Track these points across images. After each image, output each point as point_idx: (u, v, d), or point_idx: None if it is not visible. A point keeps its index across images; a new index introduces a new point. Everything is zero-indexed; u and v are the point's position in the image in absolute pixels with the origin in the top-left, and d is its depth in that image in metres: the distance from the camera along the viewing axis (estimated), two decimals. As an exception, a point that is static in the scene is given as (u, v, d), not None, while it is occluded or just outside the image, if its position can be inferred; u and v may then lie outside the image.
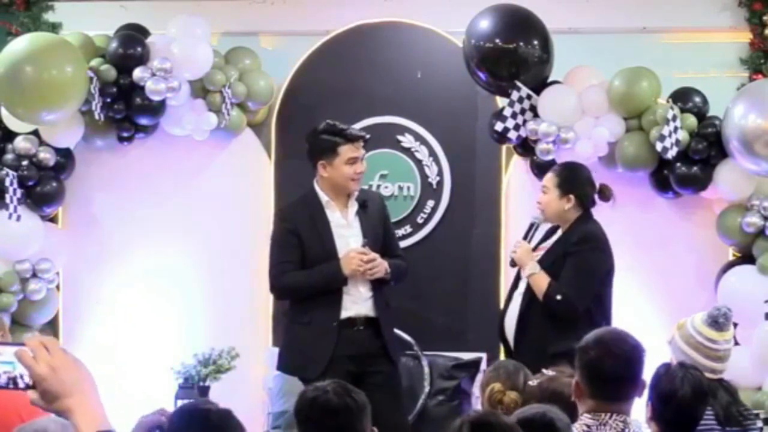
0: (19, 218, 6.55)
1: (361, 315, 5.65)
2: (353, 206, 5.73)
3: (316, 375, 5.38)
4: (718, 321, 4.41)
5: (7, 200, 6.52)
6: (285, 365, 5.85)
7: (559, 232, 5.75)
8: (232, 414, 3.11)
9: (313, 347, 5.61)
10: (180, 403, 6.51)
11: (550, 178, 5.72)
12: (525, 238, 5.75)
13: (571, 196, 5.62)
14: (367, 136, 5.82)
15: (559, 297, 5.47)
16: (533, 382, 3.97)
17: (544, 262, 5.59)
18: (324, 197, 5.70)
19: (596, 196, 5.74)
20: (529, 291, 5.59)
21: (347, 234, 5.69)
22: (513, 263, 5.71)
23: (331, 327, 5.59)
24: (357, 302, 5.65)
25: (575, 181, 5.69)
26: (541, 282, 5.52)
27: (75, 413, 2.03)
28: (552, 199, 5.65)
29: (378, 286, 5.69)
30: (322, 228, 5.67)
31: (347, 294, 5.64)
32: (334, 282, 5.60)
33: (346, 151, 5.63)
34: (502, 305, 5.95)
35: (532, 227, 5.76)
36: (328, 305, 5.61)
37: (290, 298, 5.84)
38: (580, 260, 5.54)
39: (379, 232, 5.78)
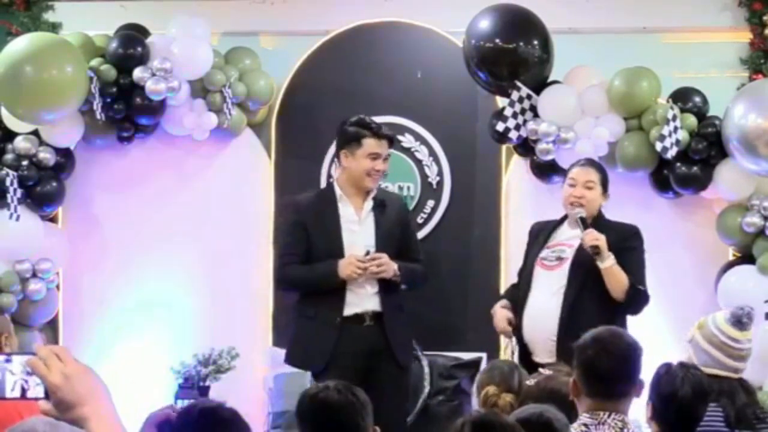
0: (18, 218, 6.55)
1: (368, 311, 5.70)
2: (369, 204, 5.77)
3: (320, 369, 5.58)
4: (741, 320, 4.40)
5: (8, 200, 6.52)
6: (290, 358, 5.91)
7: (567, 228, 5.72)
8: (239, 414, 3.10)
9: (316, 341, 5.68)
10: (180, 403, 6.51)
11: (593, 173, 5.71)
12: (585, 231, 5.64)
13: (607, 194, 5.73)
14: (393, 136, 5.90)
15: (642, 287, 5.54)
16: (531, 382, 3.96)
17: (584, 257, 5.56)
18: (338, 192, 5.77)
19: None
20: (575, 288, 5.53)
21: (357, 230, 5.74)
22: (596, 251, 5.50)
23: (335, 322, 5.65)
24: (362, 298, 5.70)
25: (608, 181, 5.77)
26: (621, 274, 5.50)
27: (90, 422, 2.00)
28: (598, 196, 5.68)
29: (388, 285, 5.72)
30: (331, 222, 5.73)
31: (350, 291, 5.69)
32: (330, 282, 5.65)
33: (370, 144, 5.72)
34: (512, 301, 5.79)
35: (585, 222, 5.63)
36: (332, 301, 5.67)
37: (290, 290, 5.94)
38: (640, 255, 5.65)
39: (393, 233, 5.81)
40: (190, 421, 2.92)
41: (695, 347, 4.41)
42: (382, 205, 5.81)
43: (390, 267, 5.67)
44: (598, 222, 5.66)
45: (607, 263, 5.50)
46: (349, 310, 5.68)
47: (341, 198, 5.76)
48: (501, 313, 5.70)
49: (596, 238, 5.51)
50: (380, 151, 5.73)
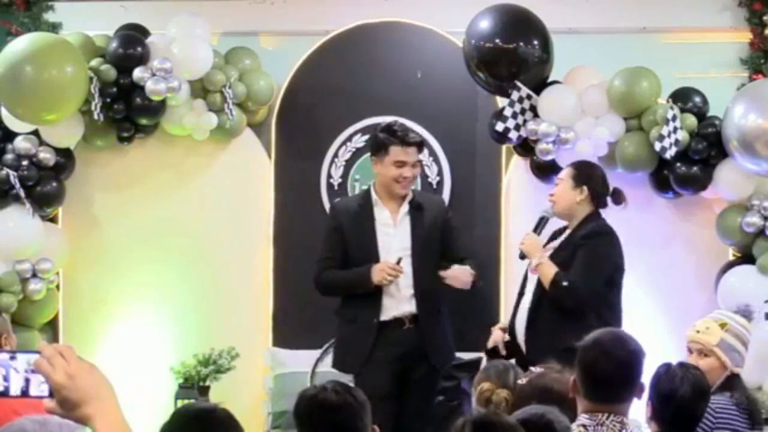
0: (35, 214, 6.58)
1: (406, 314, 5.78)
2: (404, 208, 5.83)
3: (356, 371, 5.72)
4: (751, 316, 4.45)
5: (22, 199, 6.54)
6: (333, 361, 6.03)
7: (567, 232, 5.75)
8: (233, 416, 3.09)
9: (354, 344, 5.80)
10: (180, 403, 6.51)
11: (565, 170, 5.76)
12: (535, 231, 5.72)
13: (584, 188, 5.63)
14: (421, 141, 5.94)
15: (565, 283, 5.46)
16: (523, 380, 3.97)
17: (555, 258, 5.58)
18: (374, 196, 5.86)
19: (609, 199, 5.75)
20: (540, 286, 5.58)
21: (392, 233, 5.82)
22: (522, 255, 5.67)
23: (372, 325, 5.74)
24: (400, 302, 5.77)
25: (591, 175, 5.70)
26: (549, 270, 5.51)
27: (95, 420, 2.01)
28: (565, 190, 5.64)
29: (425, 289, 5.74)
30: (367, 226, 5.82)
31: (388, 295, 5.77)
32: (363, 287, 5.76)
33: (396, 152, 5.77)
34: (510, 310, 5.92)
35: (542, 221, 5.74)
36: (370, 305, 5.76)
37: (327, 294, 6.00)
38: (590, 251, 5.53)
39: (431, 236, 5.85)
40: (186, 423, 2.90)
41: (727, 349, 4.38)
42: (419, 208, 5.86)
43: (465, 276, 5.70)
44: (579, 223, 5.64)
45: (535, 262, 5.57)
46: (387, 314, 5.77)
47: (377, 202, 5.85)
48: (495, 335, 5.77)
49: (521, 242, 5.65)
50: (406, 158, 5.78)
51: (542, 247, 5.68)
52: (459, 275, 5.76)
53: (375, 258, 5.78)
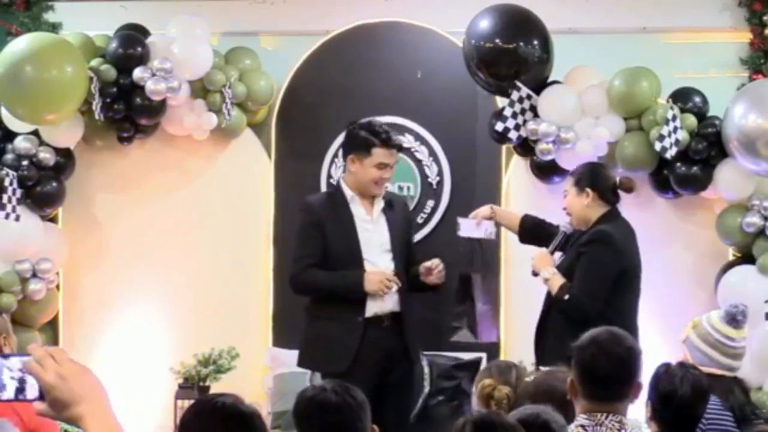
0: (18, 218, 6.54)
1: (387, 311, 5.66)
2: (379, 204, 5.74)
3: (341, 371, 5.43)
4: (736, 318, 4.41)
5: (5, 200, 6.51)
6: (308, 360, 5.80)
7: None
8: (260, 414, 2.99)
9: (338, 343, 5.59)
10: (180, 403, 6.51)
11: (568, 179, 5.66)
12: (554, 246, 5.63)
13: (588, 191, 5.49)
14: (404, 145, 5.89)
15: (566, 297, 5.38)
16: (529, 379, 3.97)
17: (561, 266, 5.51)
18: (349, 192, 5.70)
19: (619, 190, 5.60)
20: (549, 296, 5.52)
21: (371, 229, 5.71)
22: (533, 272, 5.58)
23: (357, 322, 5.58)
24: (384, 299, 5.63)
25: (591, 176, 5.55)
26: (555, 284, 5.43)
27: (86, 421, 2.01)
28: (572, 198, 5.53)
29: (404, 285, 5.70)
30: (347, 222, 5.66)
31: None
32: (354, 293, 5.57)
33: (379, 154, 5.61)
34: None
35: (561, 236, 5.62)
36: (354, 302, 5.58)
37: (305, 295, 5.78)
38: (587, 260, 5.41)
39: (404, 233, 5.81)
40: (217, 423, 2.83)
41: (690, 347, 4.42)
42: (389, 205, 5.79)
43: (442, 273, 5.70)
44: (592, 225, 5.56)
45: (543, 276, 5.51)
46: (370, 310, 5.63)
47: (353, 199, 5.70)
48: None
49: (532, 257, 5.60)
50: (389, 161, 5.64)
51: (552, 261, 5.61)
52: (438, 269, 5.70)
53: (357, 254, 5.63)
